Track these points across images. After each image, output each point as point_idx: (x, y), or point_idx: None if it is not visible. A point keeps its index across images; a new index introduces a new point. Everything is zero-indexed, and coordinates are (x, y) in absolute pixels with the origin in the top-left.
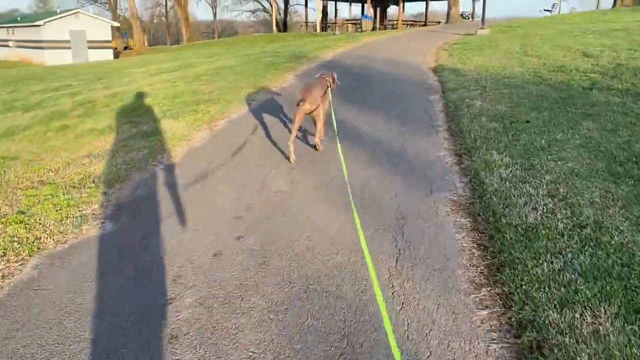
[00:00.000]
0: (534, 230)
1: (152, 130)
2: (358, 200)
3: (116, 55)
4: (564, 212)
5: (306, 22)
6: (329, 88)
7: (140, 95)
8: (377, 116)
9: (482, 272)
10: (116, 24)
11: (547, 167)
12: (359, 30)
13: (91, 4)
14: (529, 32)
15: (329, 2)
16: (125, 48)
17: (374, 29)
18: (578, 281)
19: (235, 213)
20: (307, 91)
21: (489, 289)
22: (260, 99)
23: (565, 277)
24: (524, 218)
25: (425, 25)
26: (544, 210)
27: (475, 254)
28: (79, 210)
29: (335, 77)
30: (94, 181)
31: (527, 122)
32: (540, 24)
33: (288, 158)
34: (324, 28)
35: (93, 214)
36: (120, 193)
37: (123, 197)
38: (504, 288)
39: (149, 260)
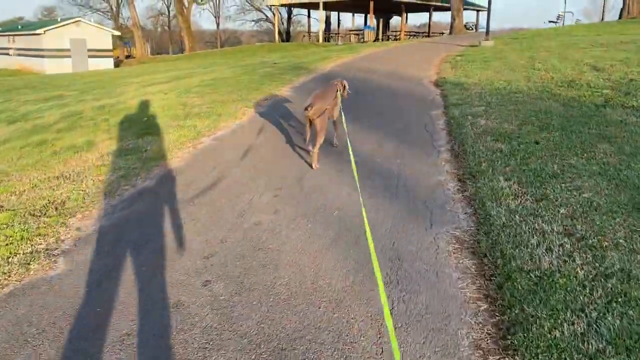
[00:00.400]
0: (550, 279)
1: (132, 147)
2: (345, 233)
3: (117, 64)
4: (584, 255)
5: (309, 32)
6: (339, 92)
7: (128, 108)
8: (374, 133)
9: (490, 334)
10: (117, 33)
11: (561, 198)
12: (362, 40)
13: (93, 13)
14: (534, 44)
15: (331, 12)
16: (128, 57)
17: (376, 39)
18: (607, 351)
19: (206, 251)
20: (316, 97)
21: (497, 357)
22: (252, 114)
23: (590, 345)
24: (537, 262)
25: (428, 36)
26: (561, 253)
27: (482, 308)
28: (31, 245)
29: (347, 85)
30: (57, 208)
31: (537, 143)
32: (545, 35)
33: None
34: (327, 38)
35: (47, 250)
36: (82, 223)
37: (84, 228)
38: (516, 357)
39: (98, 314)
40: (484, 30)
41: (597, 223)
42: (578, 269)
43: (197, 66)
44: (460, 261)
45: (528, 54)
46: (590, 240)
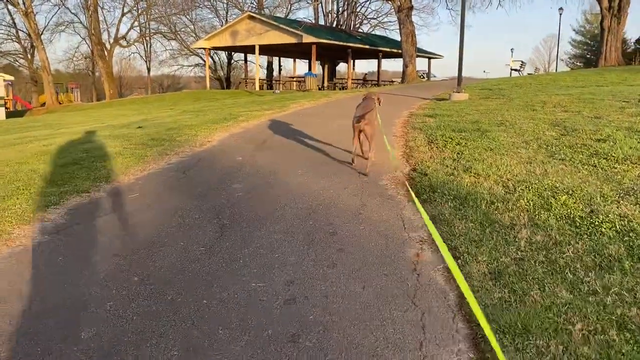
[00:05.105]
0: None
1: None
2: None
3: (17, 114)
4: None
5: (245, 79)
6: (376, 105)
7: None
8: None
9: None
10: (10, 77)
11: None
12: (303, 89)
13: (2, 56)
14: (529, 99)
15: (274, 57)
16: (43, 105)
17: (322, 87)
18: None
19: None
20: (362, 108)
21: None
22: None
23: None
24: None
25: (377, 84)
26: None
27: None
28: None
29: (381, 100)
30: None
31: None
32: (525, 85)
33: None
34: (270, 85)
35: None
36: None
37: None
38: None
39: None
40: (436, 78)
41: None
42: None
43: (70, 123)
44: None
45: (541, 115)
46: None
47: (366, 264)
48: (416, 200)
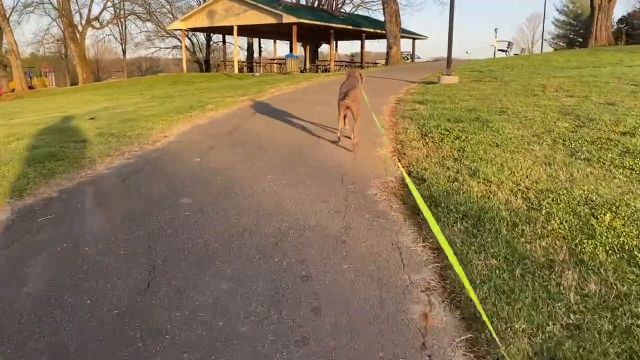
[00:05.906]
0: None
1: None
2: None
3: None
4: None
5: (224, 62)
6: (360, 82)
7: None
8: None
9: None
10: None
11: None
12: (284, 71)
13: None
14: (527, 83)
15: (254, 39)
16: (29, 88)
17: (304, 70)
18: None
19: None
20: (346, 87)
21: None
22: None
23: None
24: None
25: (361, 66)
26: None
27: None
28: None
29: (363, 77)
30: None
31: None
32: (516, 67)
33: None
34: (250, 68)
35: None
36: None
37: None
38: None
39: None
40: (420, 59)
41: None
42: None
43: (30, 111)
44: None
45: (545, 101)
46: None
47: (353, 335)
48: (439, 233)
